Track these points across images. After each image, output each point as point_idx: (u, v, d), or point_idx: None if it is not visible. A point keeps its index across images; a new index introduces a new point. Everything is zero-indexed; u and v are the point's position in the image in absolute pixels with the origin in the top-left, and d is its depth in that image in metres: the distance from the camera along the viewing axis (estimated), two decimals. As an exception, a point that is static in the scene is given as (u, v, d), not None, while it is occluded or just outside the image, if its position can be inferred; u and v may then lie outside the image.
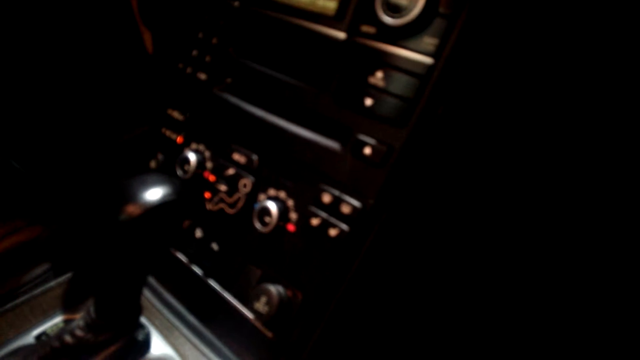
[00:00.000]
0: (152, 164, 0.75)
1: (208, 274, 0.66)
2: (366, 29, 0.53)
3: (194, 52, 0.72)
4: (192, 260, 0.68)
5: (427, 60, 0.49)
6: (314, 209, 0.56)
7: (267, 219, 0.58)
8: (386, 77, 0.51)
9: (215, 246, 0.66)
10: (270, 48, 0.64)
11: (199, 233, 0.68)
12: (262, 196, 0.62)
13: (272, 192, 0.61)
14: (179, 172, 0.69)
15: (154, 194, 0.51)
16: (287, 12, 0.62)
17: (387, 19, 0.50)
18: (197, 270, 0.67)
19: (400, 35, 0.50)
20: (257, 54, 0.66)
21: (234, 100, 0.67)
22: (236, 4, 0.68)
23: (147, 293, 0.70)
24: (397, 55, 0.51)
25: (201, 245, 0.68)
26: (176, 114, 0.75)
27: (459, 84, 0.49)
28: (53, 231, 0.82)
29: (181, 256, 0.69)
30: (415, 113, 0.50)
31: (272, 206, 0.58)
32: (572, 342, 0.65)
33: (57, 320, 0.68)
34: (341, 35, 0.56)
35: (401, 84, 0.51)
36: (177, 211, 0.53)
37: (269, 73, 0.63)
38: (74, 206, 0.85)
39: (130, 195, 0.50)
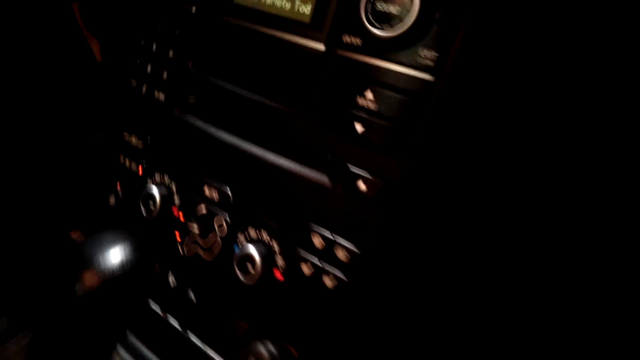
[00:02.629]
0: (111, 200, 0.65)
1: (187, 326, 0.58)
2: (349, 39, 0.45)
3: (148, 68, 0.62)
4: (168, 310, 0.60)
5: (426, 76, 0.41)
6: (304, 254, 0.48)
7: (250, 268, 0.50)
8: (378, 98, 0.43)
9: (192, 295, 0.58)
10: (236, 62, 0.55)
11: (172, 280, 0.60)
12: (241, 237, 0.53)
13: (252, 232, 0.53)
14: (144, 211, 0.60)
15: (113, 259, 0.42)
16: (253, 19, 0.52)
17: (375, 31, 0.41)
18: (174, 322, 0.59)
19: (392, 48, 0.42)
20: (221, 69, 0.56)
21: (200, 124, 0.58)
22: (192, 9, 0.58)
23: (121, 350, 0.61)
24: (390, 72, 0.42)
25: (176, 294, 0.59)
26: (134, 140, 0.65)
27: (465, 104, 0.42)
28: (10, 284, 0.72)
29: (155, 306, 0.61)
30: (415, 140, 0.42)
31: (254, 252, 0.50)
32: (573, 342, 0.60)
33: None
34: (319, 46, 0.47)
35: (396, 105, 0.42)
36: (137, 278, 0.44)
37: (238, 92, 0.54)
38: (29, 268, 0.75)
39: (88, 263, 0.42)
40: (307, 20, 0.48)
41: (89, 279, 0.40)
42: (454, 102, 0.41)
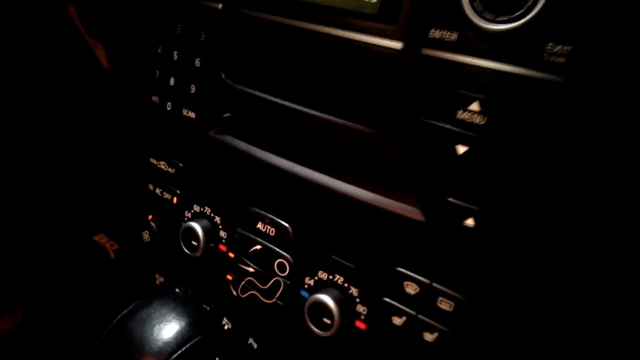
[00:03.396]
0: (145, 235, 0.57)
1: (251, 379, 0.51)
2: (440, 34, 0.35)
3: (171, 81, 0.52)
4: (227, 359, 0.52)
5: (555, 79, 0.31)
6: (392, 302, 0.40)
7: (326, 320, 0.42)
8: (487, 110, 0.33)
9: (254, 343, 0.50)
10: (282, 69, 0.45)
11: (227, 324, 0.52)
12: (309, 280, 0.45)
13: (323, 275, 0.44)
14: (186, 250, 0.52)
15: (169, 337, 0.34)
16: (301, 14, 0.42)
17: (486, 25, 0.31)
18: (236, 374, 0.52)
19: (505, 44, 0.32)
20: (262, 78, 0.46)
21: (243, 146, 0.48)
22: (219, 5, 0.47)
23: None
24: (503, 75, 0.32)
25: (234, 341, 0.52)
26: (163, 166, 0.56)
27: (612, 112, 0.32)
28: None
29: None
30: (538, 163, 0.33)
31: (330, 301, 0.42)
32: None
33: None
34: (395, 44, 0.37)
35: (513, 119, 0.33)
36: (207, 349, 0.36)
37: (286, 105, 0.44)
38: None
39: (140, 349, 0.34)
40: (373, 10, 0.38)
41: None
42: (598, 110, 0.31)
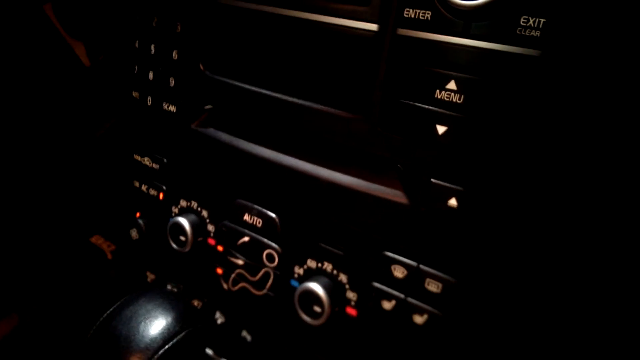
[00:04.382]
0: (133, 233, 0.56)
1: (246, 371, 0.51)
2: (413, 13, 0.34)
3: (150, 75, 0.52)
4: (223, 354, 0.52)
5: (531, 52, 0.31)
6: (381, 287, 0.40)
7: (316, 309, 0.42)
8: (464, 90, 0.33)
9: (247, 335, 0.50)
10: (260, 57, 0.44)
11: (219, 318, 0.52)
12: (298, 269, 0.45)
13: (312, 263, 0.44)
14: (174, 246, 0.51)
15: (155, 333, 0.34)
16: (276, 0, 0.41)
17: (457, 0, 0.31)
18: (231, 366, 0.52)
19: (478, 20, 0.31)
20: (240, 67, 0.45)
21: (226, 137, 0.48)
22: (193, -4, 0.46)
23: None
24: (478, 52, 0.32)
25: (227, 334, 0.52)
26: (148, 162, 0.56)
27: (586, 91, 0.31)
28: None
29: (208, 350, 0.53)
30: (518, 139, 0.32)
31: (319, 289, 0.42)
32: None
33: None
34: (370, 26, 0.37)
35: (491, 95, 0.32)
36: (194, 343, 0.36)
37: (265, 94, 0.44)
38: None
39: (126, 346, 0.33)
40: (347, -7, 0.37)
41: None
42: (571, 87, 0.31)
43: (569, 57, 0.30)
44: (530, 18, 0.30)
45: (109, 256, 0.80)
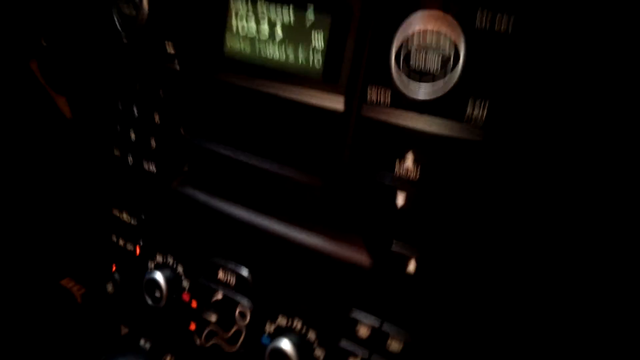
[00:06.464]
0: (109, 287, 0.57)
1: None
2: (376, 95, 0.38)
3: (132, 135, 0.54)
4: (192, 411, 0.53)
5: (475, 138, 0.35)
6: (347, 345, 0.42)
7: (286, 366, 0.43)
8: (419, 167, 0.37)
9: (218, 392, 0.51)
10: (236, 125, 0.47)
11: (192, 374, 0.53)
12: (269, 326, 0.47)
13: (282, 320, 0.46)
14: (149, 301, 0.53)
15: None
16: (251, 73, 0.45)
17: (410, 87, 0.35)
18: None
19: (429, 106, 0.36)
20: (220, 133, 0.49)
21: (203, 197, 0.50)
22: (176, 66, 0.50)
23: None
24: (430, 136, 0.36)
25: (199, 391, 0.52)
26: (126, 217, 0.57)
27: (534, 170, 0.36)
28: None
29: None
30: (471, 212, 0.36)
31: (288, 347, 0.43)
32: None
33: None
34: (337, 105, 0.41)
35: (444, 171, 0.36)
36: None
37: (242, 160, 0.47)
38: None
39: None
40: (317, 73, 0.41)
41: None
42: (516, 166, 0.35)
43: (509, 143, 0.35)
44: (474, 106, 0.34)
45: (79, 300, 0.79)
